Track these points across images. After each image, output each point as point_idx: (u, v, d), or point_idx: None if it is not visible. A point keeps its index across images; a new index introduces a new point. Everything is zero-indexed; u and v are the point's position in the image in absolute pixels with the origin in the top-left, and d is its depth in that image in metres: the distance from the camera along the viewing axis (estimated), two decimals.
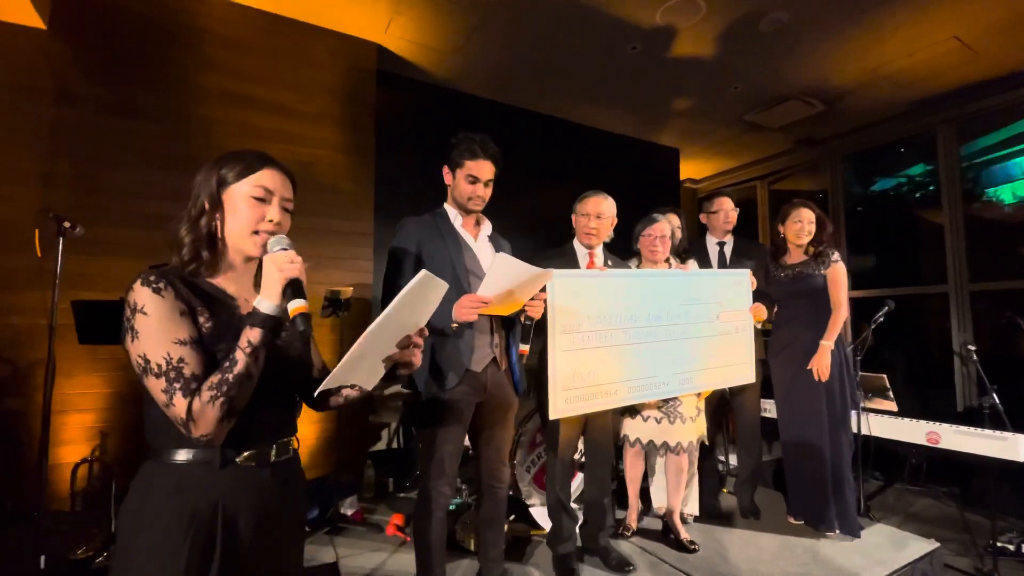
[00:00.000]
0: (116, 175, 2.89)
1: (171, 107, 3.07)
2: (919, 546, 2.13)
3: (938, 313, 4.75)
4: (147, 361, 0.83)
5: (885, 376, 2.83)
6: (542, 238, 2.14)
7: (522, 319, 1.61)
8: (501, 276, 1.46)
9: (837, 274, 2.31)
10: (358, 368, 1.00)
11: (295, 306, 0.90)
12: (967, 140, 4.67)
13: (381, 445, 3.55)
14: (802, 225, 2.37)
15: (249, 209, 0.96)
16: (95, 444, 2.65)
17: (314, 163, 3.46)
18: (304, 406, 1.12)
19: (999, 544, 2.80)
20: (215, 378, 0.84)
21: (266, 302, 0.89)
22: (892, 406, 2.76)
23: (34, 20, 2.64)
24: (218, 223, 0.97)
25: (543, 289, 1.62)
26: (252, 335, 0.87)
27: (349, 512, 2.36)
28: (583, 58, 3.91)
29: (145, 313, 0.84)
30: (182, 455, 0.88)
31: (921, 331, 5.05)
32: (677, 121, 5.17)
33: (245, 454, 0.92)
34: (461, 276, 1.57)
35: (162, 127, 3.03)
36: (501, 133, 4.72)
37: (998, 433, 2.34)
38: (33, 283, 2.49)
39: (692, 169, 6.66)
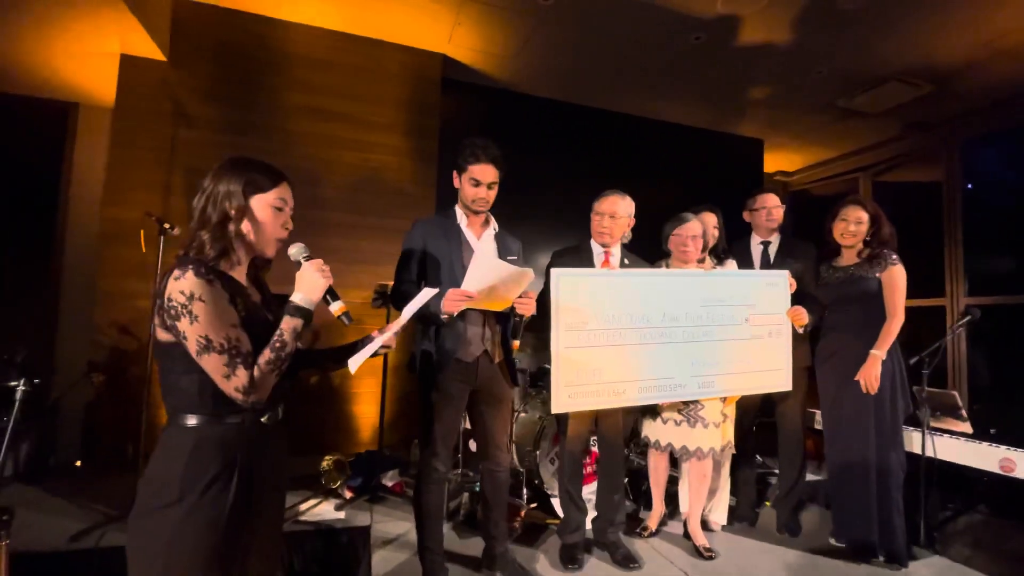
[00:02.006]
0: None
1: (266, 123, 3.53)
2: None
3: None
4: (209, 341, 1.00)
5: (956, 394, 2.49)
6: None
7: (514, 316, 1.71)
8: (481, 272, 1.58)
9: (894, 278, 2.10)
10: (372, 349, 1.24)
11: (337, 307, 1.17)
12: None
13: None
14: (847, 224, 2.19)
15: (274, 217, 1.16)
16: None
17: (383, 168, 3.79)
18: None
19: None
20: (270, 355, 1.05)
21: (307, 299, 1.10)
22: (966, 427, 2.42)
23: (156, 54, 3.20)
24: (247, 228, 1.15)
25: (545, 287, 1.70)
26: (295, 323, 1.08)
27: (389, 484, 2.61)
28: (644, 52, 3.85)
29: (203, 300, 1.00)
30: (217, 418, 1.04)
31: None
32: (757, 111, 4.86)
33: (267, 415, 1.12)
34: (458, 272, 1.70)
35: (258, 141, 3.50)
36: (568, 133, 4.84)
37: None
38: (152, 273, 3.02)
39: (782, 161, 6.20)
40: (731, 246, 2.57)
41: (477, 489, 2.51)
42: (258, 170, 1.16)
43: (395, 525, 2.25)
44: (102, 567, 1.91)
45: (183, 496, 0.98)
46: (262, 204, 1.13)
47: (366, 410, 3.50)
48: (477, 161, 1.77)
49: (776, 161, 6.14)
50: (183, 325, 1.00)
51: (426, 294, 1.34)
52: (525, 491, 2.56)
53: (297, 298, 1.10)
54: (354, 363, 1.21)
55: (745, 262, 2.48)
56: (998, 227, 4.67)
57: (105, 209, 3.24)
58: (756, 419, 2.53)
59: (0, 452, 1.23)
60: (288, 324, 1.08)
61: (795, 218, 6.53)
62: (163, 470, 1.01)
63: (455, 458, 2.71)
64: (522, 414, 2.78)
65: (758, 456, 3.19)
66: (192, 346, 1.00)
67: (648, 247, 2.43)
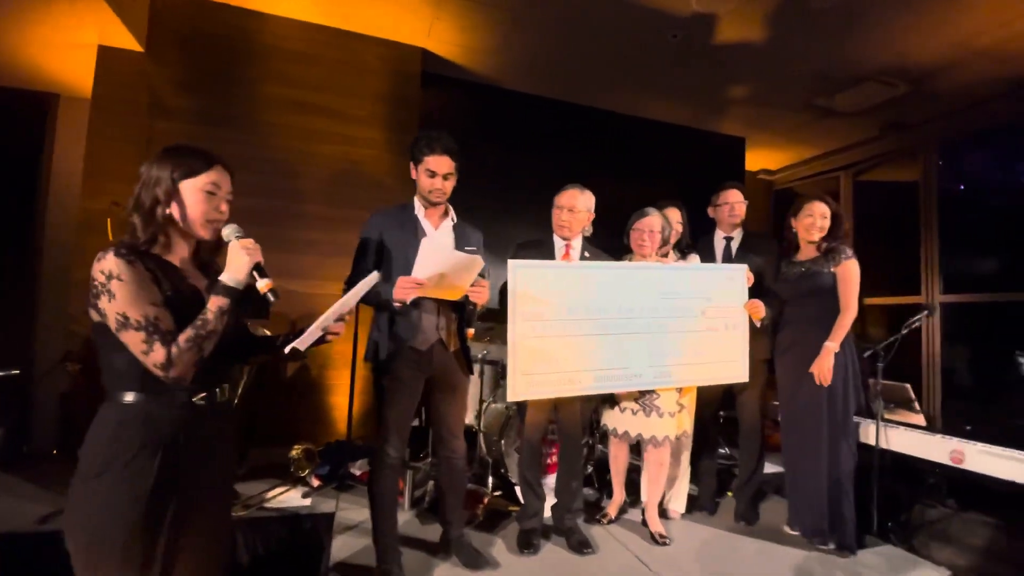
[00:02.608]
0: None
1: (244, 115, 3.55)
2: (921, 573, 1.95)
3: None
4: (127, 318, 1.04)
5: (909, 386, 2.55)
6: (600, 233, 2.23)
7: (468, 304, 1.74)
8: (430, 260, 1.62)
9: (848, 272, 2.15)
10: (315, 334, 1.27)
11: (264, 284, 1.16)
12: None
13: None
14: (813, 220, 2.23)
15: (203, 202, 1.19)
16: None
17: (363, 161, 3.81)
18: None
19: None
20: (190, 332, 1.08)
21: (233, 278, 1.13)
22: (919, 419, 2.48)
23: (133, 45, 3.21)
24: (173, 211, 1.21)
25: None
26: (221, 302, 1.11)
27: (358, 472, 2.65)
28: (622, 49, 3.88)
29: (121, 279, 1.05)
30: (147, 396, 1.09)
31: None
32: (738, 109, 4.90)
33: (200, 395, 1.16)
34: (412, 262, 1.73)
35: (237, 133, 3.52)
36: (550, 129, 4.86)
37: None
38: None
39: (766, 159, 6.25)
40: (696, 241, 2.62)
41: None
42: (190, 155, 1.19)
43: (359, 512, 2.29)
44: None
45: (107, 469, 1.02)
46: (191, 188, 1.16)
47: (342, 401, 3.53)
48: (432, 152, 1.80)
49: (759, 159, 6.20)
50: (103, 303, 1.04)
51: (368, 280, 1.36)
52: (491, 479, 2.60)
53: (224, 277, 1.13)
54: (290, 348, 1.24)
55: (709, 256, 2.52)
56: (976, 227, 4.74)
57: (83, 200, 3.27)
58: (717, 410, 2.58)
59: None
60: (213, 303, 1.10)
61: (777, 216, 6.60)
62: (92, 443, 1.05)
63: (426, 447, 2.76)
64: (491, 404, 2.82)
65: (726, 448, 3.26)
66: (111, 323, 1.04)
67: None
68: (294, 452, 2.68)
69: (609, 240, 2.48)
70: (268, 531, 2.21)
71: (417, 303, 1.75)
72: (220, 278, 1.14)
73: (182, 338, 1.07)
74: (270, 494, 2.45)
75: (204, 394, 1.15)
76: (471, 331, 1.78)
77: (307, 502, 2.40)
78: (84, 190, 3.25)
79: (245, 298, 1.22)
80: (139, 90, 3.30)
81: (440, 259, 1.64)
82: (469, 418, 2.82)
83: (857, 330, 5.29)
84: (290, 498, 2.44)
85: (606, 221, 2.40)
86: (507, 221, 4.32)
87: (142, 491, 1.03)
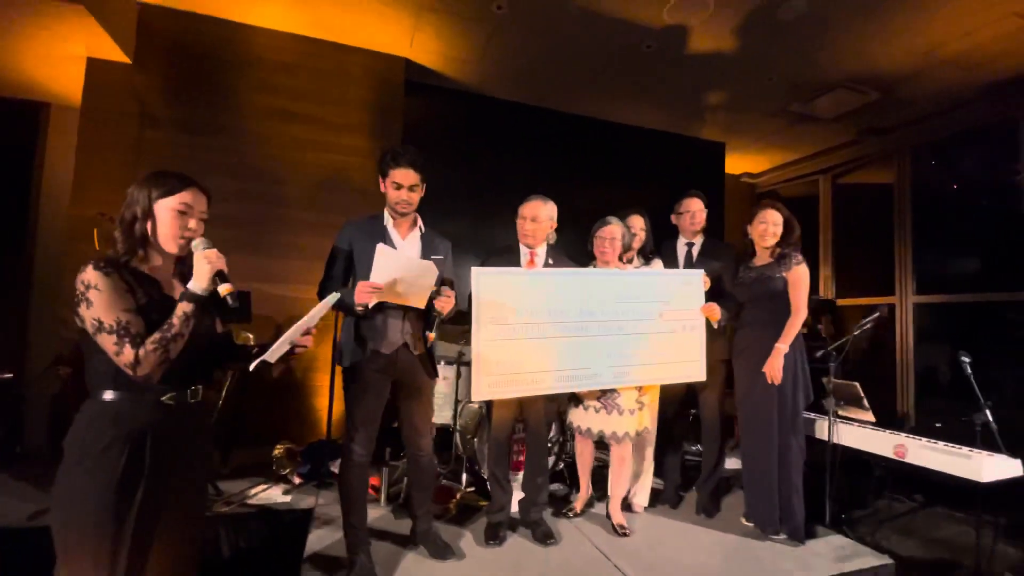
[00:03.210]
0: None
1: (231, 124, 3.65)
2: (864, 560, 2.06)
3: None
4: (101, 323, 1.17)
5: (858, 384, 2.66)
6: (582, 238, 2.34)
7: (432, 312, 1.86)
8: (385, 265, 1.73)
9: (798, 277, 2.27)
10: (282, 348, 1.38)
11: (224, 288, 1.27)
12: None
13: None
14: (766, 227, 2.35)
15: (174, 220, 1.31)
16: None
17: (348, 169, 3.92)
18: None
19: None
20: (157, 335, 1.20)
21: (197, 285, 1.25)
22: (868, 416, 2.59)
23: (121, 56, 3.31)
24: (148, 228, 1.32)
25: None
26: (186, 307, 1.23)
27: (336, 470, 2.75)
28: (599, 58, 4.00)
29: (98, 289, 1.18)
30: (120, 394, 1.21)
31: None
32: (716, 114, 5.03)
33: (168, 395, 1.27)
34: None
35: (225, 141, 3.62)
36: (533, 135, 4.96)
37: (963, 450, 2.16)
38: None
39: (748, 163, 6.38)
40: (660, 246, 2.73)
41: None
42: (168, 178, 1.31)
43: (336, 508, 2.38)
44: None
45: (81, 459, 1.15)
46: (165, 207, 1.28)
47: (324, 403, 3.63)
48: (397, 165, 1.89)
49: (742, 163, 6.32)
50: (82, 310, 1.17)
51: (328, 301, 1.49)
52: (464, 476, 2.71)
53: (190, 284, 1.25)
54: (257, 362, 1.35)
55: (671, 261, 2.64)
56: (949, 229, 4.86)
57: (72, 208, 3.36)
58: (681, 408, 2.70)
59: None
60: (179, 309, 1.23)
61: None
62: (71, 436, 1.18)
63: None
64: (467, 405, 2.93)
65: (697, 445, 3.37)
66: (88, 327, 1.17)
67: None
68: (277, 451, 2.78)
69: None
70: (249, 526, 2.32)
71: (382, 309, 1.85)
72: (188, 286, 1.26)
73: (149, 340, 1.18)
74: (253, 491, 2.56)
75: (173, 394, 1.26)
76: (431, 335, 1.89)
77: (287, 499, 2.51)
78: (73, 198, 3.34)
79: (224, 305, 1.35)
80: (127, 100, 3.40)
81: (394, 264, 1.74)
82: (446, 418, 2.94)
83: (830, 332, 5.41)
84: (272, 495, 2.54)
85: (588, 225, 2.50)
86: (491, 225, 4.44)
87: (111, 479, 1.14)
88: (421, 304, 1.87)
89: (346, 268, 1.91)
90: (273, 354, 1.37)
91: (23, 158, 4.01)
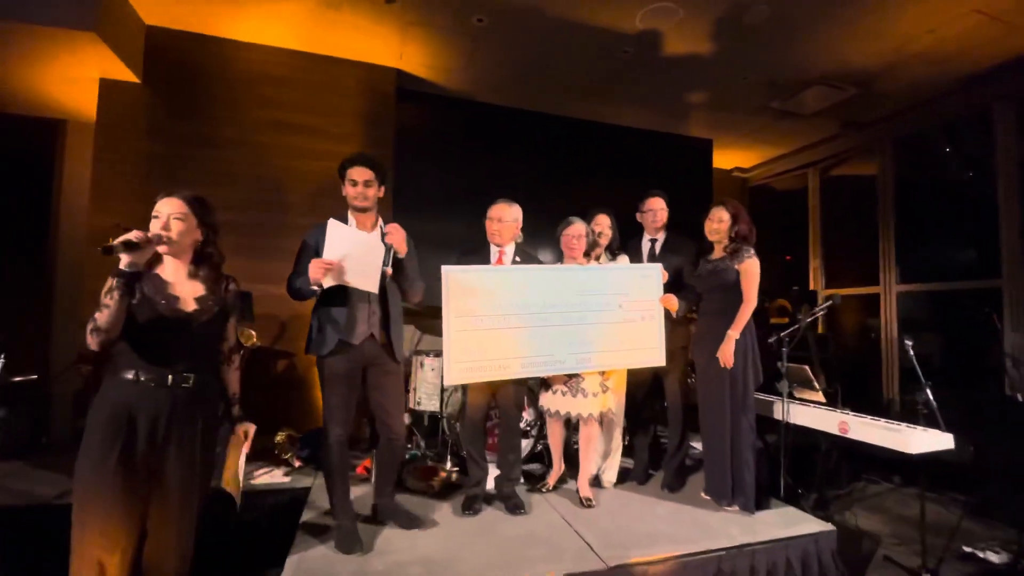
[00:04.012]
0: (194, 191, 3.78)
1: (233, 137, 3.91)
2: (806, 527, 2.24)
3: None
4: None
5: (807, 367, 2.83)
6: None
7: (384, 242, 2.01)
8: (334, 240, 1.91)
9: (749, 269, 2.44)
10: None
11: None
12: None
13: None
14: (711, 223, 2.54)
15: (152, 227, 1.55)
16: None
17: None
18: None
19: (967, 549, 2.75)
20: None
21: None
22: (819, 396, 2.77)
23: (131, 77, 3.58)
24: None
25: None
26: (110, 282, 1.40)
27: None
28: (580, 64, 4.18)
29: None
30: (109, 379, 1.48)
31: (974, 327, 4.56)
32: (700, 113, 5.19)
33: (145, 376, 1.48)
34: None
35: (228, 153, 3.88)
36: (524, 138, 5.16)
37: (898, 425, 2.33)
38: None
39: (739, 158, 6.52)
40: (628, 243, 2.93)
41: (408, 457, 2.92)
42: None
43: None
44: None
45: (92, 430, 1.42)
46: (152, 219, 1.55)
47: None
48: (352, 164, 2.10)
49: (733, 158, 6.46)
50: None
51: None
52: (449, 458, 2.94)
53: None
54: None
55: (636, 257, 2.83)
56: (931, 219, 4.97)
57: (91, 217, 3.64)
58: (648, 392, 2.88)
59: None
60: (108, 284, 1.42)
61: (752, 211, 6.85)
62: (89, 412, 1.45)
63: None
64: (453, 393, 3.15)
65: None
66: None
67: None
68: (279, 437, 3.03)
69: None
70: (253, 503, 2.57)
71: (347, 300, 2.03)
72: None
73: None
74: (257, 473, 2.82)
75: (147, 376, 1.48)
76: (388, 270, 2.01)
77: (287, 479, 2.75)
78: (91, 208, 3.62)
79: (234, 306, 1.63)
80: (138, 117, 3.67)
81: (344, 238, 1.93)
82: (434, 405, 3.17)
83: (833, 323, 5.51)
84: (273, 477, 2.79)
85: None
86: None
87: (101, 453, 1.41)
88: (374, 287, 2.02)
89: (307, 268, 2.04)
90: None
91: (44, 171, 4.32)
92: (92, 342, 1.41)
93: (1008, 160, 4.23)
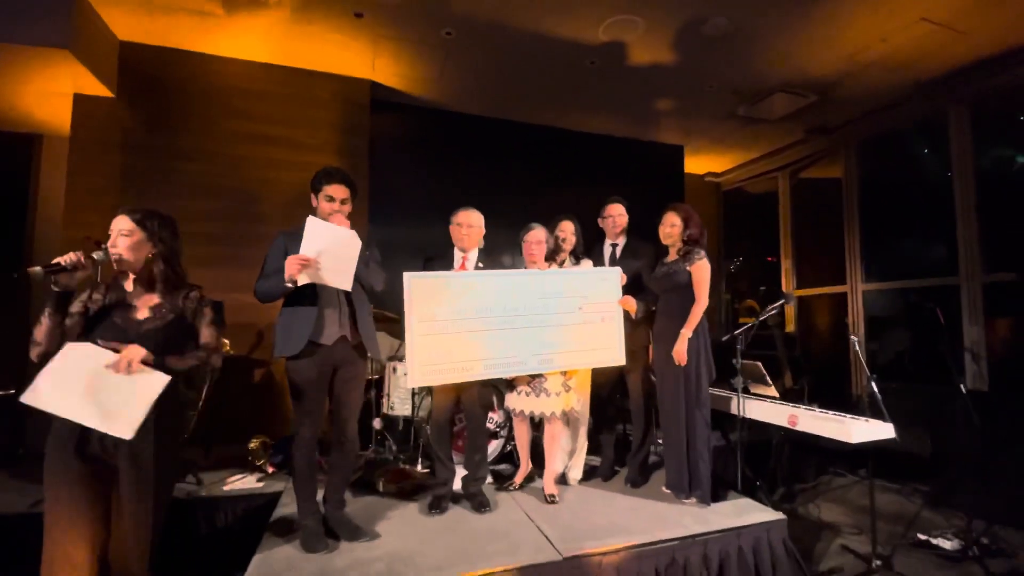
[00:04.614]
0: (170, 204, 3.73)
1: (208, 149, 3.97)
2: (758, 516, 2.34)
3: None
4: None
5: (760, 364, 2.95)
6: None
7: None
8: (313, 236, 1.93)
9: (700, 270, 2.55)
10: None
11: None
12: (986, 120, 4.36)
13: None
14: (665, 228, 2.65)
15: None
16: None
17: None
18: None
19: (922, 537, 2.86)
20: None
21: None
22: (772, 391, 2.88)
23: (105, 91, 3.63)
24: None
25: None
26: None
27: None
28: (548, 74, 4.30)
29: None
30: None
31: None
32: (669, 120, 5.33)
33: None
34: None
35: (203, 165, 3.94)
36: (498, 146, 5.25)
37: (842, 417, 2.44)
38: None
39: (711, 163, 6.67)
40: (592, 247, 3.03)
41: (372, 458, 2.98)
42: None
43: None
44: None
45: (52, 434, 1.55)
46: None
47: None
48: (331, 181, 2.14)
49: (706, 163, 6.61)
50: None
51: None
52: (421, 460, 3.01)
53: None
54: None
55: (599, 260, 2.93)
56: (895, 219, 5.13)
57: (65, 230, 3.67)
58: (612, 391, 2.97)
59: None
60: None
61: (726, 215, 7.02)
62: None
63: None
64: (426, 398, 3.22)
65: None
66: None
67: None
68: (252, 444, 3.08)
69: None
70: (225, 508, 2.62)
71: (318, 300, 2.07)
72: None
73: None
74: (229, 479, 2.86)
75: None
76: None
77: (260, 485, 2.80)
78: (65, 221, 3.65)
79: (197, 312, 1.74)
80: (112, 131, 3.73)
81: (322, 235, 1.95)
82: (407, 410, 3.24)
83: (776, 320, 5.64)
84: (246, 483, 2.84)
85: (552, 229, 2.76)
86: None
87: (64, 447, 1.53)
88: (347, 284, 2.04)
89: (279, 269, 2.03)
90: None
91: (19, 185, 4.34)
92: (32, 354, 1.52)
93: (963, 162, 4.40)
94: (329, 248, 1.99)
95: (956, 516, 3.17)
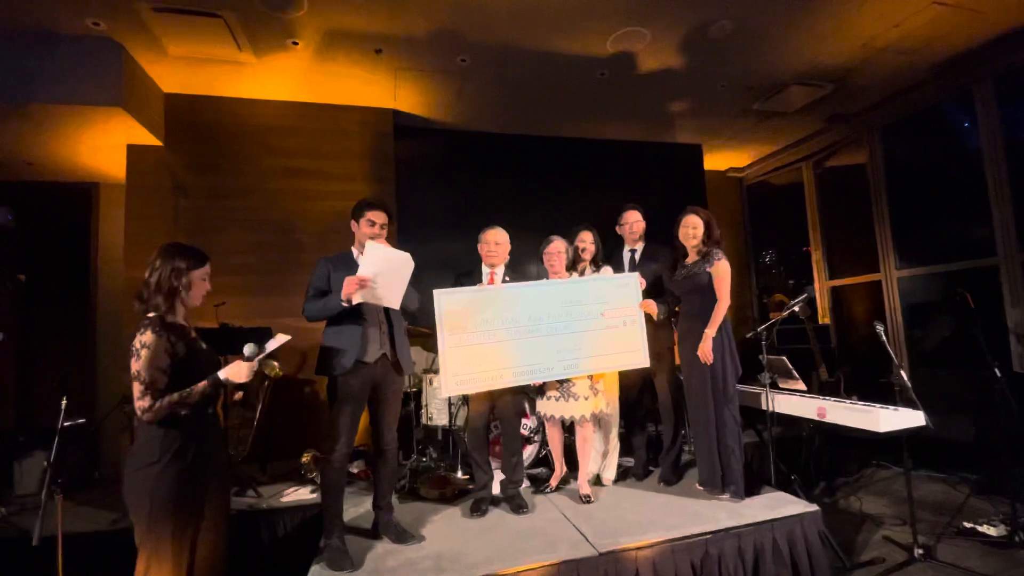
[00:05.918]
0: (218, 238, 4.10)
1: (247, 186, 4.26)
2: (791, 508, 2.37)
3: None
4: (138, 373, 1.59)
5: (785, 358, 2.96)
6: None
7: None
8: (372, 259, 2.11)
9: (720, 271, 2.62)
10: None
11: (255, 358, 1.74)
12: (1012, 94, 4.25)
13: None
14: (687, 230, 2.72)
15: (202, 286, 1.81)
16: None
17: (347, 213, 4.45)
18: None
19: (967, 525, 2.82)
20: (176, 397, 1.59)
21: (228, 380, 1.67)
22: (800, 385, 2.88)
23: (154, 141, 3.97)
24: (182, 291, 1.81)
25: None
26: (208, 389, 1.65)
27: (355, 471, 3.24)
28: (564, 89, 4.44)
29: (148, 348, 1.62)
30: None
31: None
32: (685, 121, 5.37)
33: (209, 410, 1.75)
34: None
35: (243, 201, 4.24)
36: (519, 161, 5.42)
37: (871, 406, 2.45)
38: None
39: (732, 159, 6.65)
40: (613, 254, 3.13)
41: (415, 467, 3.13)
42: (192, 253, 1.79)
43: (352, 502, 2.86)
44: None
45: (160, 458, 1.60)
46: (196, 276, 1.77)
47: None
48: (373, 208, 2.35)
49: (726, 159, 6.60)
50: (132, 360, 1.62)
51: (281, 338, 1.94)
52: (461, 467, 3.16)
53: (221, 375, 1.67)
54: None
55: (619, 267, 3.03)
56: (926, 203, 5.02)
57: (127, 270, 4.01)
58: (641, 392, 3.05)
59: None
60: (204, 386, 1.65)
61: (751, 210, 6.97)
62: (145, 444, 1.63)
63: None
64: (462, 408, 3.37)
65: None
66: (132, 372, 1.61)
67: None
68: (304, 458, 3.29)
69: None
70: (282, 519, 2.82)
71: (361, 321, 2.23)
72: (219, 373, 1.68)
73: (166, 399, 1.59)
74: (285, 492, 3.07)
75: (210, 411, 1.74)
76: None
77: (314, 496, 3.00)
78: (126, 262, 3.99)
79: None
80: (163, 176, 4.06)
81: (381, 257, 2.12)
82: (445, 419, 3.39)
83: (806, 313, 5.59)
84: (300, 495, 3.04)
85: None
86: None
87: (182, 473, 1.62)
88: (396, 303, 2.22)
89: (324, 291, 2.28)
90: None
91: (81, 231, 4.75)
92: (151, 420, 1.59)
93: (992, 138, 4.30)
94: (385, 269, 2.15)
95: (1003, 503, 3.10)
